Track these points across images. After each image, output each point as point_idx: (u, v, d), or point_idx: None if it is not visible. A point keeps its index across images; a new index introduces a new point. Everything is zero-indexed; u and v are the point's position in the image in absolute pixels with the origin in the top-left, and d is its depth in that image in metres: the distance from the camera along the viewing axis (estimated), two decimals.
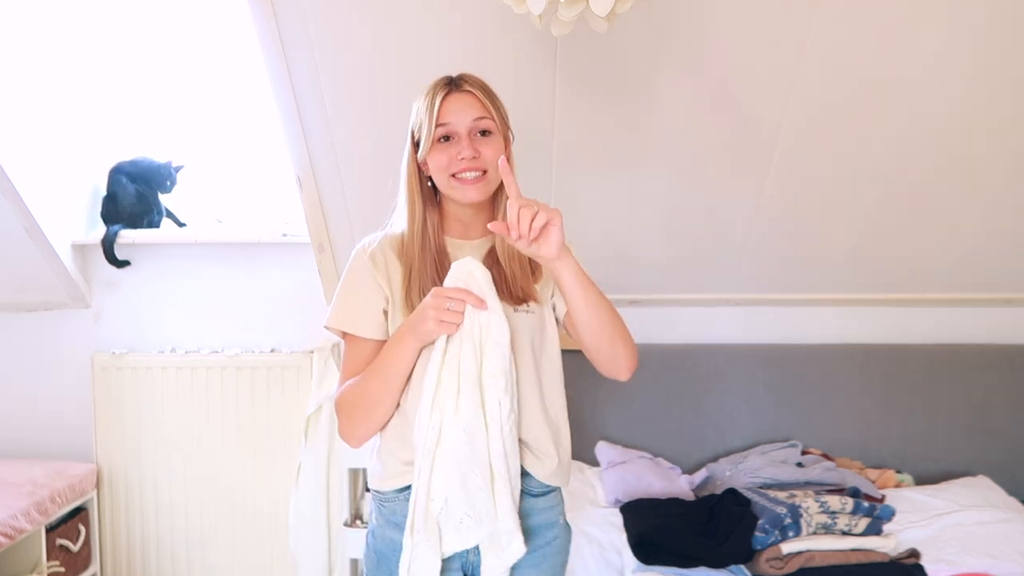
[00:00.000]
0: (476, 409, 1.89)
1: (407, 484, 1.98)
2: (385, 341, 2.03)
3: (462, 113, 1.98)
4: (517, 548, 1.92)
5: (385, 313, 2.03)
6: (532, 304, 2.05)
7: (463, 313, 1.88)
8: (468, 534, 1.91)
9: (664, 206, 3.52)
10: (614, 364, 2.07)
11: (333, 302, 2.07)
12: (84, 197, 3.90)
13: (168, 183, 3.90)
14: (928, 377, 3.81)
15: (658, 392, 3.82)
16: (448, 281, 1.91)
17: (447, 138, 1.99)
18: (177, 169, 3.91)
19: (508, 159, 2.00)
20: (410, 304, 1.99)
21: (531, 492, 2.04)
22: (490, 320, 1.90)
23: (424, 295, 1.94)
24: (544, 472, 2.05)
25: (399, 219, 2.09)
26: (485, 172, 1.99)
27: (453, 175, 1.98)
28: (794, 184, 3.38)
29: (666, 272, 3.79)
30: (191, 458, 3.92)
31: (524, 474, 2.01)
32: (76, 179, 3.84)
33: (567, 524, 2.19)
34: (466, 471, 1.89)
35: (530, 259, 2.03)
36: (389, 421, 2.02)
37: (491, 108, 2.01)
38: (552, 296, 2.11)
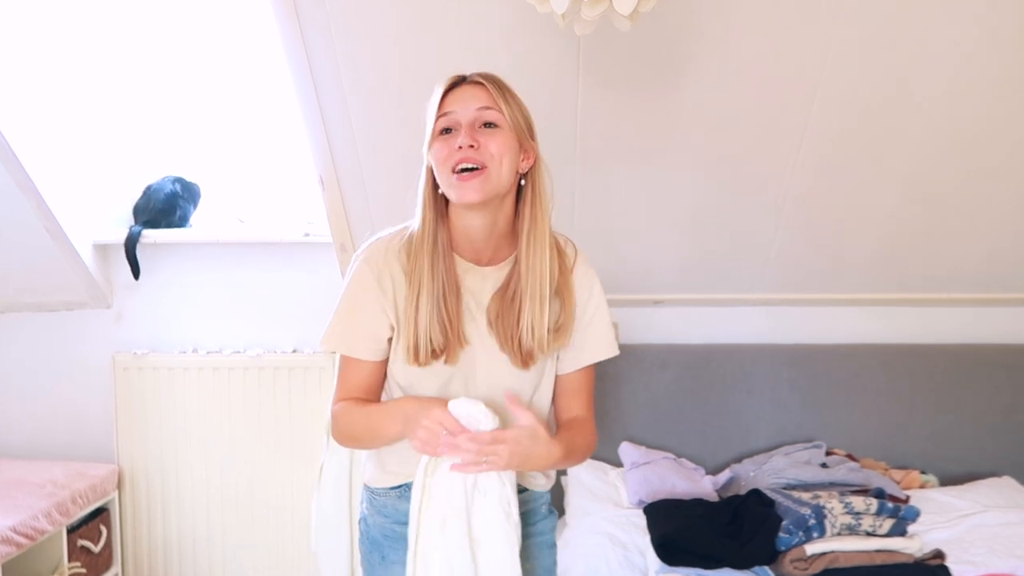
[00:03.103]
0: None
1: (399, 483, 2.03)
2: (383, 361, 2.00)
3: (466, 102, 1.86)
4: None
5: (389, 340, 1.97)
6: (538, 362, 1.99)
7: (440, 444, 1.82)
8: None
9: (688, 205, 3.52)
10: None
11: (333, 319, 1.99)
12: (106, 195, 3.91)
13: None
14: (953, 377, 3.79)
15: (682, 393, 3.81)
16: (453, 409, 1.83)
17: (449, 130, 1.87)
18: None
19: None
20: (413, 326, 1.90)
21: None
22: (488, 486, 1.87)
23: (430, 319, 1.88)
24: (536, 484, 2.11)
25: (415, 224, 1.97)
26: (485, 168, 1.83)
27: (453, 171, 1.83)
28: (819, 184, 3.38)
29: (689, 271, 3.78)
30: (213, 459, 3.92)
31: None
32: (98, 177, 3.85)
33: (551, 511, 2.22)
34: None
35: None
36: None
37: (500, 101, 1.87)
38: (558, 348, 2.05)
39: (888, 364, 3.82)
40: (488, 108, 1.87)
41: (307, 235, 3.81)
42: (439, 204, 1.94)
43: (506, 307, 1.94)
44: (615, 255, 3.37)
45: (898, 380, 3.81)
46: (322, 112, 3.17)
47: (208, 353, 3.94)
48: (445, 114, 1.87)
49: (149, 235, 3.83)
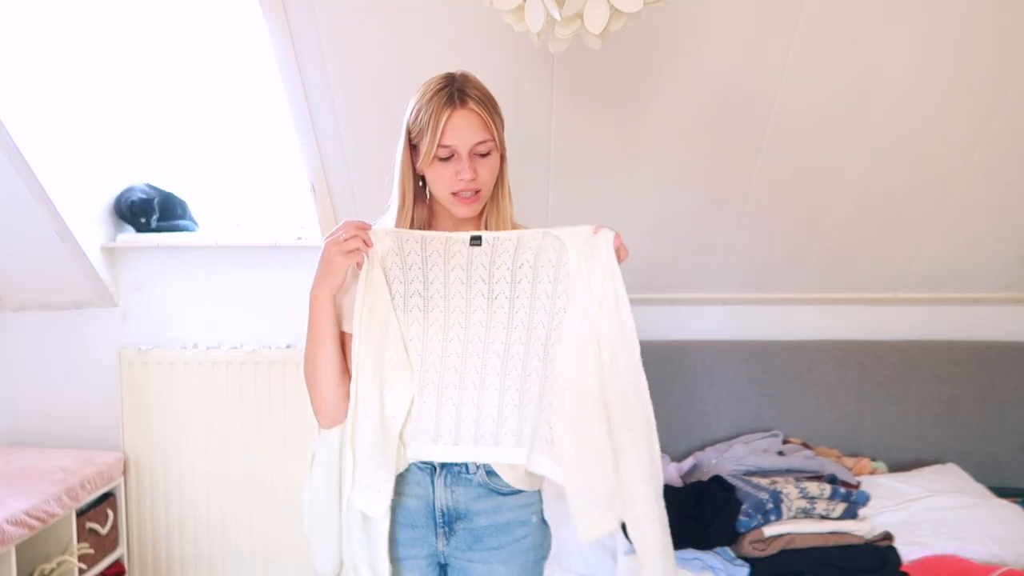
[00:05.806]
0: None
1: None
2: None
3: (464, 134, 1.91)
4: None
5: None
6: None
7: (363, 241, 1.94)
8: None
9: (654, 211, 3.54)
10: None
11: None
12: (111, 202, 3.87)
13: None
14: (901, 371, 3.82)
15: (649, 385, 3.77)
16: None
17: (447, 155, 1.94)
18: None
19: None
20: None
21: (500, 491, 2.03)
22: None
23: None
24: (513, 476, 2.03)
25: (389, 217, 2.06)
26: (480, 191, 1.97)
27: (452, 193, 1.96)
28: (776, 191, 3.42)
29: (657, 273, 3.79)
30: (213, 447, 3.91)
31: (492, 473, 2.02)
32: (104, 185, 3.82)
33: (543, 522, 2.13)
34: None
35: None
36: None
37: (492, 128, 1.95)
38: None
39: (840, 359, 3.85)
40: (484, 142, 1.94)
41: (299, 239, 3.81)
42: (417, 192, 2.07)
43: None
44: None
45: (850, 374, 3.83)
46: (314, 125, 3.22)
47: (208, 349, 3.91)
48: (445, 146, 1.93)
49: (153, 238, 3.81)
